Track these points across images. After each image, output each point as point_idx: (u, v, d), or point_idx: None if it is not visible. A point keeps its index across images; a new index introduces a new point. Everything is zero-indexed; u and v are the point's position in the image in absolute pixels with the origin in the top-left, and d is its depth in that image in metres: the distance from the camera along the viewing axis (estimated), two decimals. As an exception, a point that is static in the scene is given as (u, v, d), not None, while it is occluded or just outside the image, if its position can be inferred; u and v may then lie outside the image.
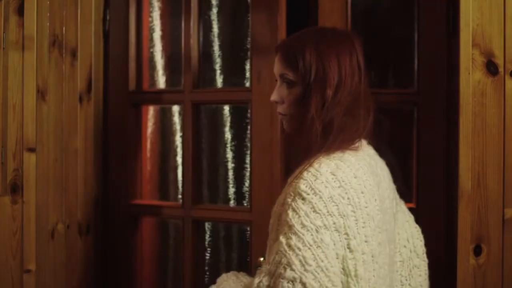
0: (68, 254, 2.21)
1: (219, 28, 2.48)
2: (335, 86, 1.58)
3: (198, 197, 2.42)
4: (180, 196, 2.48)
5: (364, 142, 1.62)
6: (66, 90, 2.19)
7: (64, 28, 2.17)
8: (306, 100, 1.58)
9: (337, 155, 1.49)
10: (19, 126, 2.01)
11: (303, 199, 1.39)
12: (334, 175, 1.43)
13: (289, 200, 1.41)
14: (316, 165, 1.44)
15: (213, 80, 2.49)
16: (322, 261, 1.35)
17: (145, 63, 2.53)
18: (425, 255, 1.74)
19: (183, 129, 2.39)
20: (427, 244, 2.20)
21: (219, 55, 2.50)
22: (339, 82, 1.59)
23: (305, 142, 1.56)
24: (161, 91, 2.56)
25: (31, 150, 2.01)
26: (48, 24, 2.07)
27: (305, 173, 1.42)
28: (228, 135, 2.52)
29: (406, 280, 1.66)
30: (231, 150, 2.52)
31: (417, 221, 2.21)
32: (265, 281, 1.38)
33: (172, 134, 2.57)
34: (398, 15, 2.41)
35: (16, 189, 2.01)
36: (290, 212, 1.40)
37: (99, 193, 2.39)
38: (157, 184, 2.60)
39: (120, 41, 2.41)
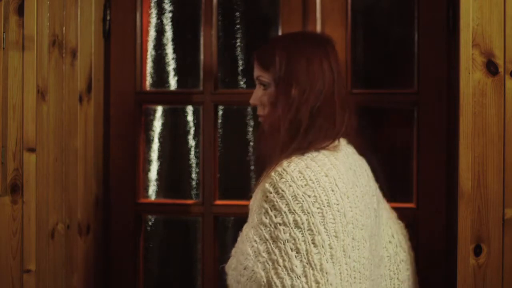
0: (68, 254, 2.21)
1: (240, 34, 2.51)
2: (302, 87, 1.64)
3: (219, 194, 2.45)
4: (195, 193, 2.53)
5: (343, 142, 1.68)
6: (66, 90, 2.19)
7: (64, 28, 2.17)
8: (276, 100, 1.66)
9: (311, 154, 1.55)
10: (19, 126, 2.01)
11: (266, 197, 1.49)
12: (301, 173, 1.49)
13: (257, 196, 1.53)
14: (285, 164, 1.52)
15: (233, 82, 2.54)
16: (275, 254, 1.43)
17: (148, 64, 2.54)
18: (410, 249, 1.81)
19: (203, 128, 2.40)
20: (427, 244, 2.21)
21: (240, 58, 2.52)
22: (306, 83, 1.64)
23: (273, 140, 1.63)
24: (175, 92, 2.58)
25: (31, 150, 2.01)
26: (48, 24, 2.07)
27: (272, 173, 1.51)
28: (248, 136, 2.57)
29: (395, 274, 1.71)
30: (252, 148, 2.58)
31: (417, 221, 2.22)
32: (230, 263, 1.57)
33: (184, 133, 2.58)
34: (398, 15, 2.41)
35: (16, 189, 2.01)
36: (254, 208, 1.53)
37: (100, 193, 2.39)
38: (168, 183, 2.61)
39: (124, 42, 2.41)
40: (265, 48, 1.74)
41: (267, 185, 1.50)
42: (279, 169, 1.51)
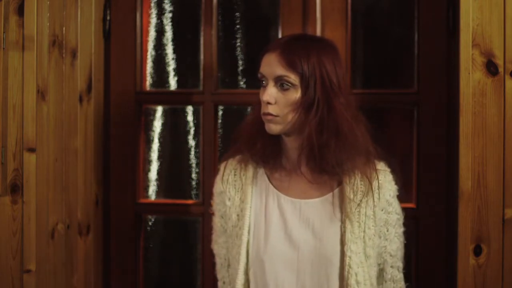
0: (68, 254, 2.21)
1: (240, 34, 2.51)
2: (339, 92, 1.67)
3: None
4: (195, 193, 2.53)
5: None
6: (66, 90, 2.19)
7: (64, 28, 2.17)
8: (310, 105, 1.65)
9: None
10: (19, 126, 2.01)
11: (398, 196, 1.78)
12: None
13: (392, 199, 1.75)
14: (388, 169, 1.76)
15: (233, 82, 2.53)
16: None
17: (148, 64, 2.54)
18: None
19: (203, 128, 2.40)
20: (427, 244, 2.21)
21: (240, 58, 2.52)
22: (339, 88, 1.67)
23: (308, 143, 1.66)
24: (175, 92, 2.57)
25: (31, 150, 2.01)
26: (48, 24, 2.07)
27: (391, 176, 1.75)
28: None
29: None
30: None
31: (417, 221, 2.22)
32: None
33: (184, 133, 2.58)
34: (398, 15, 2.41)
35: (16, 189, 2.01)
36: (399, 209, 1.78)
37: (100, 193, 2.39)
38: (168, 183, 2.61)
39: (124, 42, 2.41)
40: (293, 48, 1.66)
41: (396, 186, 1.77)
42: (389, 173, 1.76)
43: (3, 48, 2.00)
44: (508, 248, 1.84)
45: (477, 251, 1.85)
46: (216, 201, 1.84)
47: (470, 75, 1.84)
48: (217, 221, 1.84)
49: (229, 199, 1.78)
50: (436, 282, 2.20)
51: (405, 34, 2.33)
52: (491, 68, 1.84)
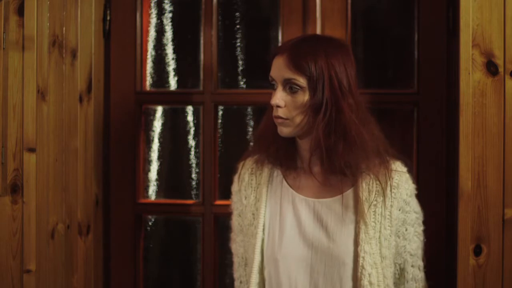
0: (68, 254, 2.21)
1: (240, 34, 2.51)
2: (348, 94, 1.67)
3: (219, 194, 2.45)
4: (195, 193, 2.54)
5: None
6: (66, 90, 2.19)
7: (64, 28, 2.17)
8: (318, 107, 1.65)
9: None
10: (19, 126, 2.01)
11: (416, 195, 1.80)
12: None
13: (409, 198, 1.76)
14: (405, 168, 1.76)
15: (233, 82, 2.53)
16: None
17: (148, 64, 2.54)
18: None
19: (203, 128, 2.40)
20: (427, 244, 2.21)
21: (240, 58, 2.52)
22: (349, 89, 1.67)
23: (316, 146, 1.67)
24: (175, 92, 2.57)
25: (31, 150, 2.01)
26: (48, 24, 2.07)
27: (407, 175, 1.76)
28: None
29: None
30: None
31: (417, 221, 2.22)
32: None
33: (184, 133, 2.58)
34: (398, 15, 2.41)
35: (16, 189, 2.01)
36: (417, 208, 1.80)
37: (100, 193, 2.39)
38: (168, 183, 2.61)
39: (124, 42, 2.41)
40: (301, 50, 1.66)
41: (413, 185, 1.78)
42: (407, 174, 1.76)
43: (3, 48, 2.00)
44: (508, 248, 1.84)
45: (477, 251, 1.85)
46: (234, 200, 1.85)
47: (470, 75, 1.84)
48: (235, 220, 1.85)
49: (245, 197, 1.80)
50: (436, 282, 2.20)
51: (405, 34, 2.33)
52: (491, 68, 1.84)
